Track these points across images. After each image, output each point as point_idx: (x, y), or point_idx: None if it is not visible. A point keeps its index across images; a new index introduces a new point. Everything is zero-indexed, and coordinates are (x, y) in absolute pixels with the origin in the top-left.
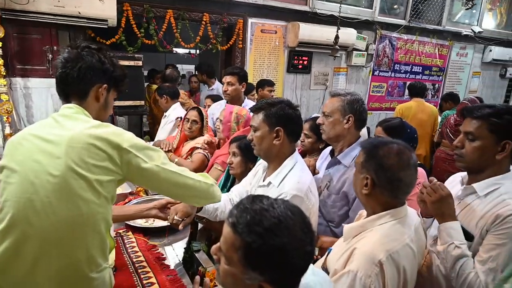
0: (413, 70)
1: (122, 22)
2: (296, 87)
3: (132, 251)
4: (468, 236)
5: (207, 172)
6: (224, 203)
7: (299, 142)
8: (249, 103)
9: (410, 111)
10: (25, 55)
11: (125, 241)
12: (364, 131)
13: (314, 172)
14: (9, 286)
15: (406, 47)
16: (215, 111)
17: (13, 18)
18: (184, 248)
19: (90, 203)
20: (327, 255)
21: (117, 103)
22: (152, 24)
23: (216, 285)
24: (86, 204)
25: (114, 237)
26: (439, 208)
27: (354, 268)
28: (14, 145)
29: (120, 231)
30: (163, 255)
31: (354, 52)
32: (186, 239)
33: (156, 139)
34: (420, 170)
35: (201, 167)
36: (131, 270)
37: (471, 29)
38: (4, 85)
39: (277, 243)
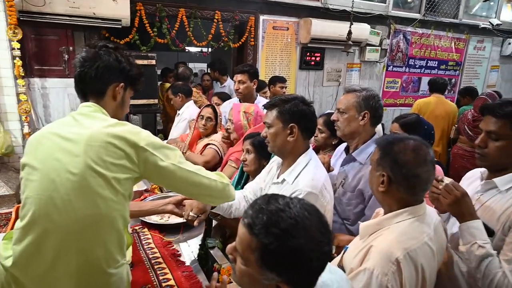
0: (428, 65)
1: (135, 21)
2: (309, 83)
3: (148, 247)
4: (489, 231)
5: (221, 169)
6: (239, 200)
7: (312, 138)
8: (261, 100)
9: (428, 106)
10: (42, 56)
11: (141, 237)
12: (379, 128)
13: (329, 169)
14: (30, 282)
15: (421, 41)
16: (227, 109)
17: (31, 20)
18: (199, 244)
19: (108, 201)
20: (343, 253)
21: (131, 101)
22: (165, 23)
23: (231, 281)
24: (104, 202)
25: (131, 233)
26: (457, 209)
27: (371, 266)
28: (35, 143)
29: (136, 227)
30: (178, 251)
31: (367, 47)
32: (201, 236)
33: (169, 138)
34: (437, 167)
35: (212, 162)
36: (147, 266)
37: (489, 22)
38: (23, 86)
39: (294, 245)
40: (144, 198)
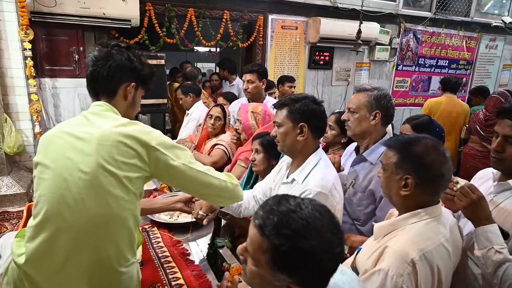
0: (438, 64)
1: (144, 21)
2: (318, 83)
3: (158, 246)
4: (504, 234)
5: (230, 169)
6: (248, 200)
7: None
8: (270, 100)
9: (439, 106)
10: (53, 56)
11: (151, 236)
12: (389, 128)
13: (339, 169)
14: (43, 279)
15: (432, 40)
16: (236, 109)
17: (42, 20)
18: (208, 244)
19: (120, 200)
20: (356, 254)
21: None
22: (174, 23)
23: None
24: (116, 201)
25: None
26: (473, 213)
27: (385, 266)
28: (46, 142)
29: (146, 226)
30: (187, 250)
31: (377, 46)
32: (210, 235)
33: (179, 138)
34: None
35: (220, 163)
36: (157, 265)
37: (502, 20)
38: (34, 86)
39: (306, 246)
40: (154, 198)
